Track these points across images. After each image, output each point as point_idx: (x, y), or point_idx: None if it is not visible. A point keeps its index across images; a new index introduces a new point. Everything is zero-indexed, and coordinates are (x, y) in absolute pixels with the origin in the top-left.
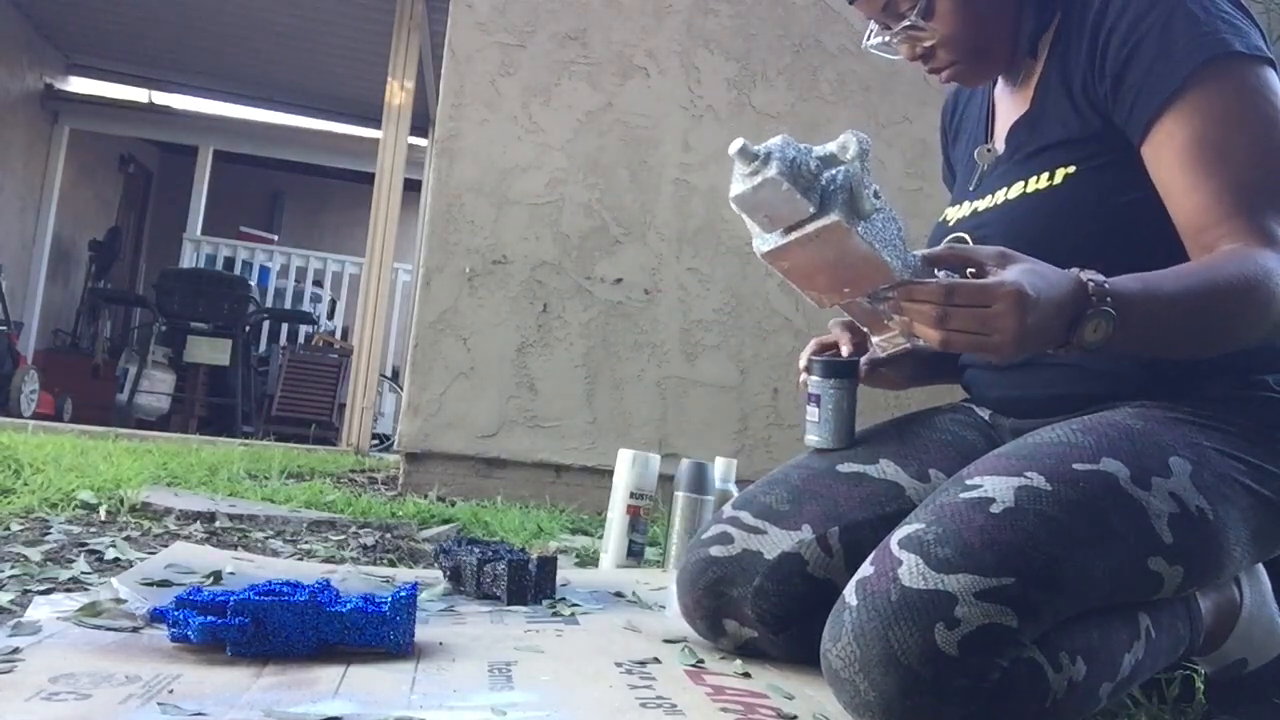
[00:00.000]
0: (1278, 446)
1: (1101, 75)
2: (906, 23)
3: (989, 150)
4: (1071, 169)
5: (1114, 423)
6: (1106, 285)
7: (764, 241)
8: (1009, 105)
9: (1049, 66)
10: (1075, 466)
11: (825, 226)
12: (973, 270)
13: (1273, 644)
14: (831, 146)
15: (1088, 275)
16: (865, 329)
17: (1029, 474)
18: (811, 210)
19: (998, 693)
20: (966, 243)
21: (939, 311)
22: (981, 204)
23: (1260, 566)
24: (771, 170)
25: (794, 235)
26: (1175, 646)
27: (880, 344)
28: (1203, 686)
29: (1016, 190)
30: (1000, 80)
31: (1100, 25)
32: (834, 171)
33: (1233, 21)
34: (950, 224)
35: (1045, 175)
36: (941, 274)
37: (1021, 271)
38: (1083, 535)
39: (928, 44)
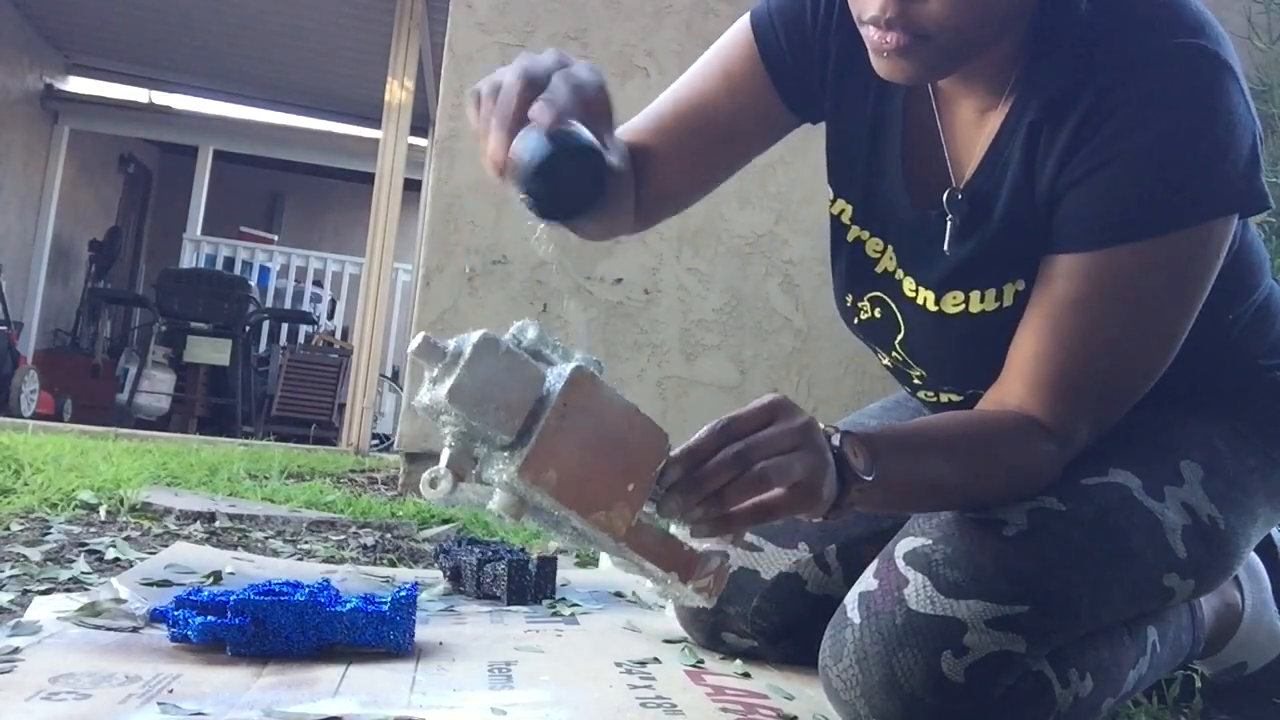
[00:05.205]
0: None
1: (1071, 170)
2: None
3: (955, 203)
4: (1021, 285)
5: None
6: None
7: (505, 462)
8: (956, 128)
9: (1016, 119)
10: (1084, 481)
11: (571, 382)
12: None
13: (1273, 647)
14: (507, 336)
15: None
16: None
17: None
18: (546, 372)
19: (1002, 706)
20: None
21: (734, 455)
22: (920, 289)
23: (1261, 568)
24: (469, 346)
25: (538, 426)
26: (1176, 657)
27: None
28: (1200, 686)
29: (955, 304)
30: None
31: (1105, 115)
32: (548, 349)
33: (1233, 172)
34: (877, 266)
35: (993, 293)
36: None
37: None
38: (1100, 558)
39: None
